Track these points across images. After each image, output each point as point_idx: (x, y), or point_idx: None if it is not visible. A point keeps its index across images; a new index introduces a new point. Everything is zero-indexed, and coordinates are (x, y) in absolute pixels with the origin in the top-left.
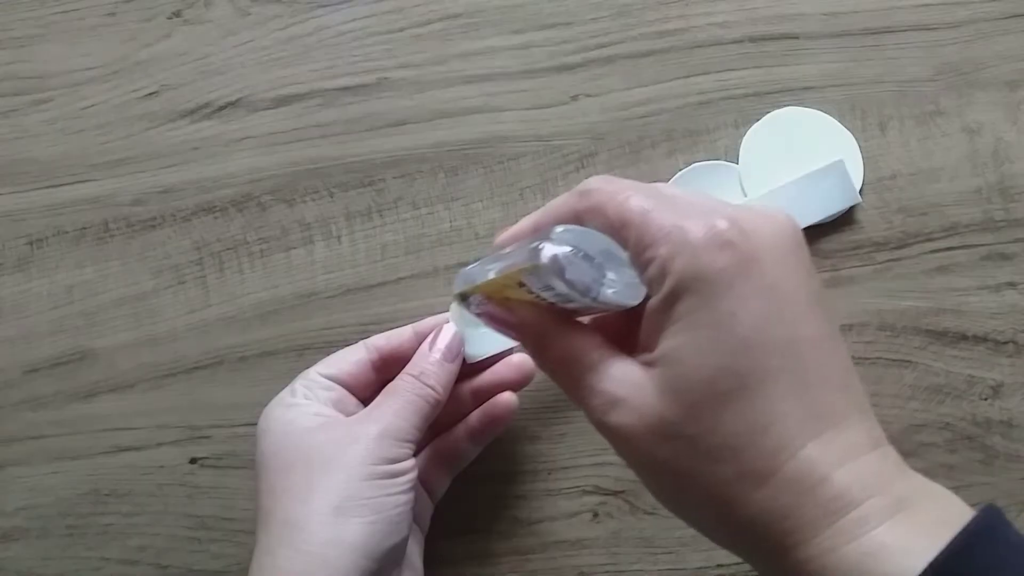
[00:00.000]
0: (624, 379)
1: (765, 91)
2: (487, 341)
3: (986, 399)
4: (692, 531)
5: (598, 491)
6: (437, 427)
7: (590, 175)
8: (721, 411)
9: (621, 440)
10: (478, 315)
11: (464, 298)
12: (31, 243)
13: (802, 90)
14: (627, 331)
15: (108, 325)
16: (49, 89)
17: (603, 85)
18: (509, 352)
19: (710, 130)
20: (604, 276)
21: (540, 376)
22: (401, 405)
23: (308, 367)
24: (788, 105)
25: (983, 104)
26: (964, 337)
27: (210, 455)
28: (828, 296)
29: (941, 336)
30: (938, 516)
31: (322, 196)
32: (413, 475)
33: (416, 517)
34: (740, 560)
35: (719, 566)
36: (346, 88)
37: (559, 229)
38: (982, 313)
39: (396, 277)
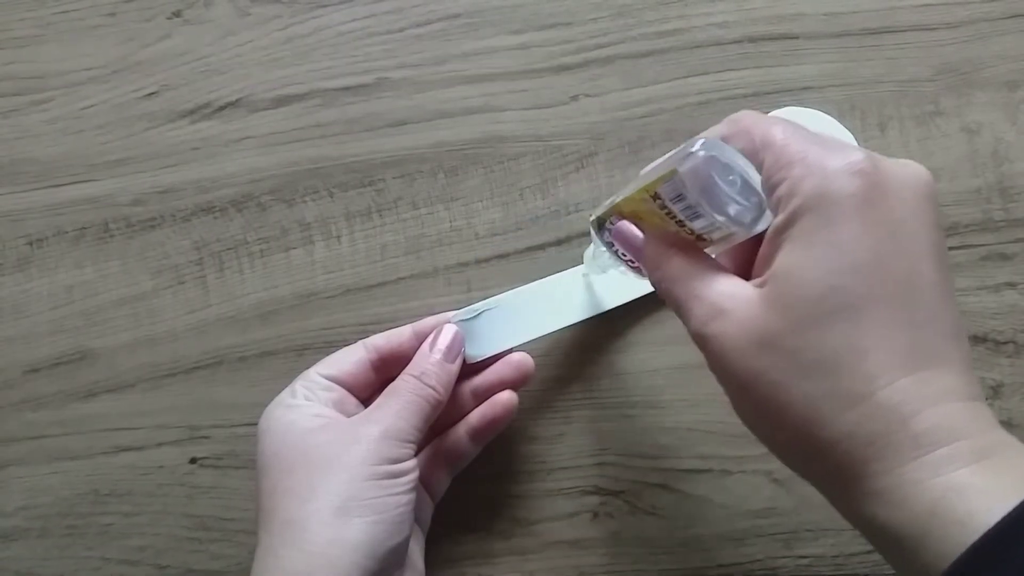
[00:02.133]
0: (732, 293)
1: (764, 91)
2: (489, 341)
3: (986, 399)
4: (692, 531)
5: (598, 491)
6: (437, 427)
7: (590, 175)
8: (825, 328)
9: (717, 351)
10: (609, 242)
11: (600, 225)
12: (31, 243)
13: (802, 90)
14: (742, 271)
15: (108, 325)
16: (49, 89)
17: (603, 85)
18: (509, 352)
19: None
20: (737, 194)
21: (540, 376)
22: (402, 406)
23: (308, 367)
24: (788, 105)
25: (983, 104)
26: None
27: (210, 455)
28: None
29: None
30: None
31: (322, 196)
32: (415, 475)
33: (417, 517)
34: (741, 560)
35: (719, 566)
36: (346, 88)
37: (702, 139)
38: (982, 313)
39: (396, 277)
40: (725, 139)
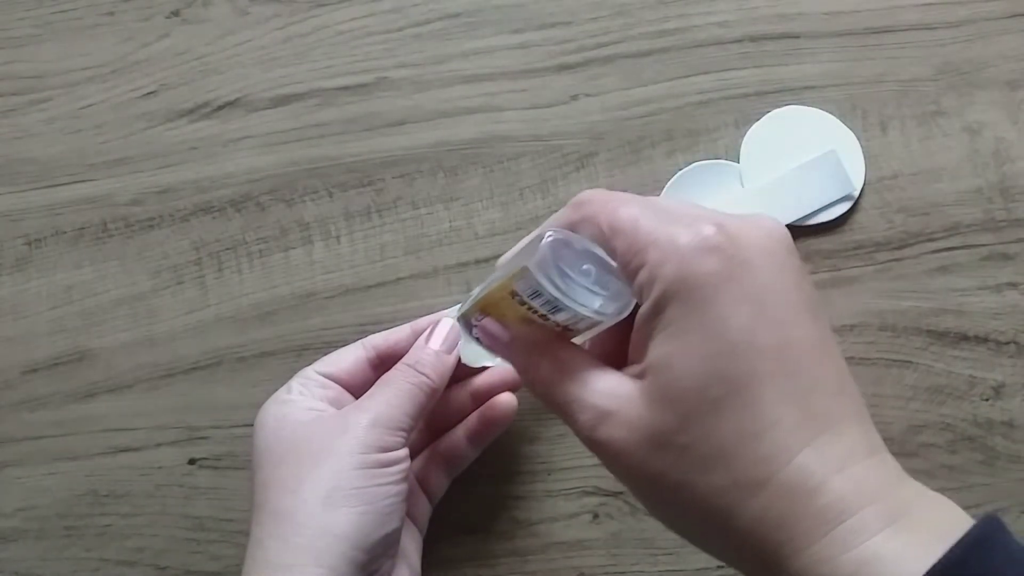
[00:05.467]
0: (612, 392)
1: (765, 91)
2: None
3: (987, 400)
4: None
5: (598, 492)
6: (436, 429)
7: (590, 175)
8: (713, 418)
9: (611, 455)
10: (476, 338)
11: (467, 322)
12: (29, 243)
13: (803, 89)
14: (615, 351)
15: (106, 325)
16: (47, 89)
17: (603, 85)
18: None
19: (710, 130)
20: (593, 284)
21: None
22: (394, 393)
23: (306, 367)
24: (789, 105)
25: (984, 104)
26: (965, 337)
27: (208, 456)
28: (823, 299)
29: (942, 336)
30: (936, 525)
31: (321, 196)
32: (405, 465)
33: (414, 518)
34: None
35: (719, 566)
36: (345, 88)
37: (550, 232)
38: (983, 313)
39: (395, 277)
40: (573, 226)
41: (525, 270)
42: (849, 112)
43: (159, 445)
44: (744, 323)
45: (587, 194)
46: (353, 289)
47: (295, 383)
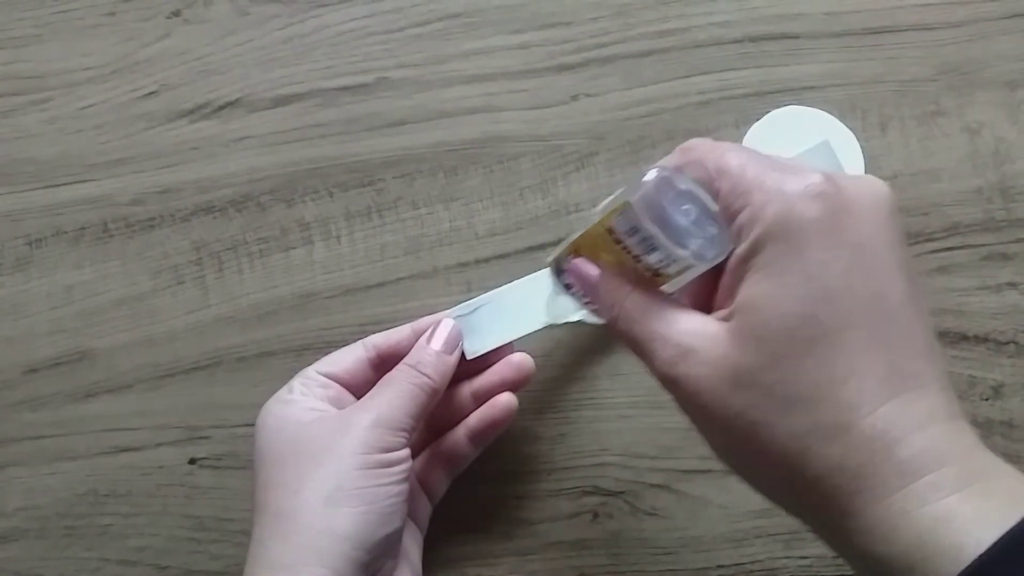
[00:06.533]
0: (697, 330)
1: (765, 91)
2: (487, 335)
3: (987, 400)
4: (692, 532)
5: (598, 492)
6: (437, 429)
7: (590, 175)
8: (801, 360)
9: (689, 392)
10: (566, 284)
11: (558, 267)
12: (30, 243)
13: (802, 90)
14: (702, 304)
15: (107, 325)
16: (48, 89)
17: (603, 85)
18: (509, 348)
19: (710, 130)
20: (692, 224)
21: (540, 376)
22: (395, 394)
23: (307, 367)
24: (788, 105)
25: (984, 104)
26: (965, 337)
27: (209, 456)
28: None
29: (942, 336)
30: (1012, 492)
31: (321, 196)
32: (407, 465)
33: (415, 518)
34: (741, 561)
35: (719, 566)
36: (345, 88)
37: (655, 168)
38: (983, 313)
39: (395, 277)
40: (678, 169)
41: (626, 205)
42: (849, 112)
43: (160, 445)
44: (842, 269)
45: (695, 141)
46: (353, 289)
47: (296, 383)
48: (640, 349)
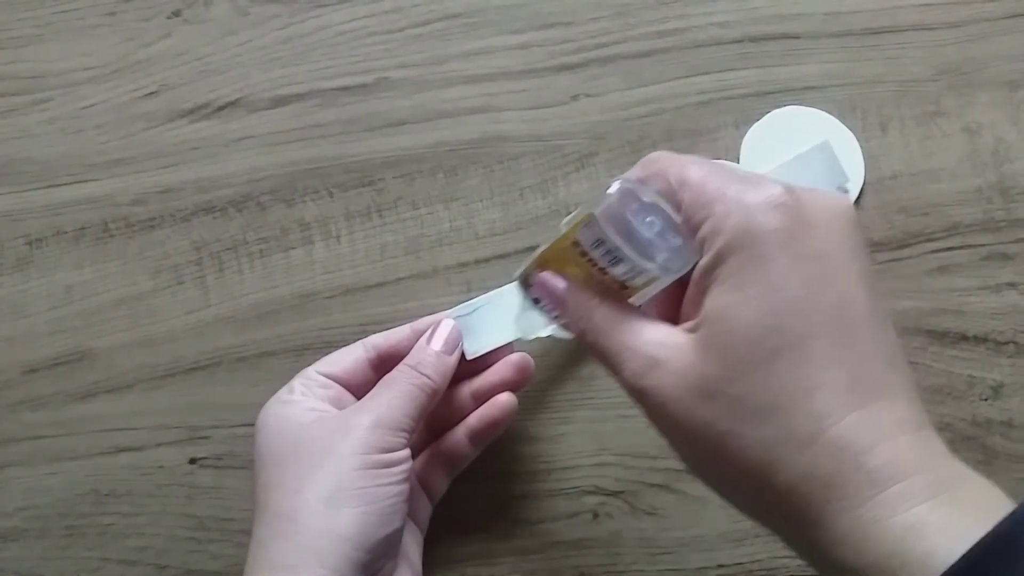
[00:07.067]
0: (663, 341)
1: (765, 91)
2: (486, 335)
3: (986, 400)
4: (692, 532)
5: (598, 491)
6: (437, 429)
7: (590, 175)
8: (767, 370)
9: (656, 403)
10: (534, 299)
11: (525, 283)
12: (30, 243)
13: (803, 90)
14: (668, 316)
15: (107, 325)
16: (48, 89)
17: (603, 85)
18: (509, 348)
19: (710, 130)
20: (656, 236)
21: (540, 377)
22: (395, 394)
23: (307, 367)
24: (789, 105)
25: (984, 104)
26: (964, 337)
27: (209, 455)
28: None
29: (941, 336)
30: (982, 502)
31: (321, 196)
32: (407, 466)
33: (415, 518)
34: (741, 560)
35: (719, 566)
36: (345, 88)
37: (618, 181)
38: (983, 313)
39: (395, 277)
40: (641, 182)
41: (590, 217)
42: (849, 112)
43: (159, 445)
44: (804, 279)
45: (657, 153)
46: (353, 289)
47: (296, 383)
48: (608, 361)
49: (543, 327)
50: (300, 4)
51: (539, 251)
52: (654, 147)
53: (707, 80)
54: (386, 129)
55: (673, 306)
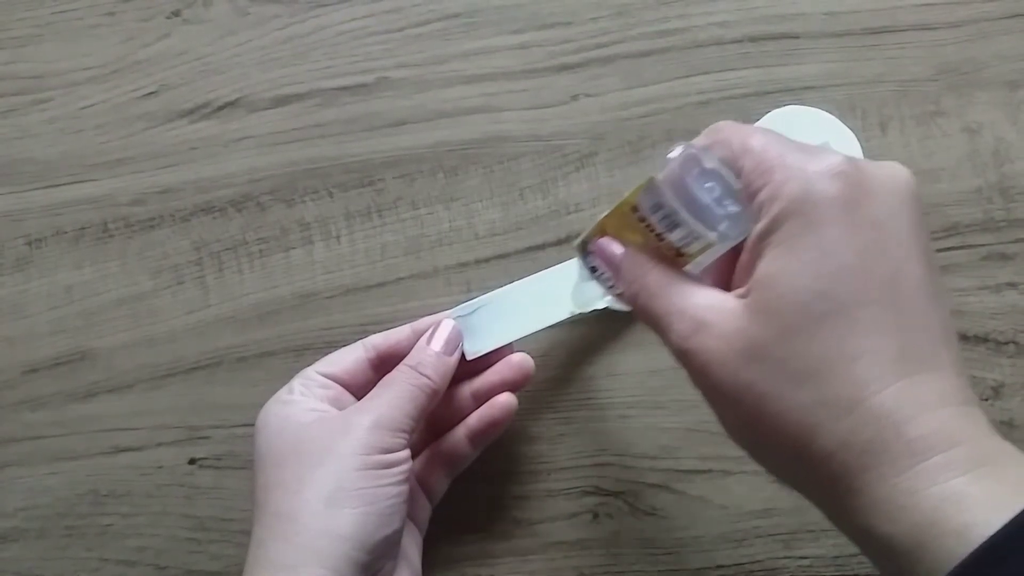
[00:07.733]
0: (713, 304)
1: (765, 91)
2: (487, 336)
3: (986, 400)
4: (692, 532)
5: (598, 492)
6: (437, 429)
7: (590, 175)
8: (812, 334)
9: (700, 365)
10: (592, 267)
11: (585, 248)
12: (30, 243)
13: (802, 90)
14: (724, 281)
15: (107, 325)
16: (48, 89)
17: (603, 85)
18: (509, 348)
19: None
20: (715, 202)
21: (540, 376)
22: (395, 395)
23: (307, 367)
24: (789, 105)
25: (984, 104)
26: (964, 338)
27: (209, 456)
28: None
29: None
30: (1022, 478)
31: (321, 196)
32: (407, 466)
33: (414, 518)
34: (741, 561)
35: (719, 567)
36: (345, 88)
37: (683, 144)
38: (982, 313)
39: (395, 277)
40: (705, 148)
41: (651, 181)
42: (849, 112)
43: (159, 445)
44: (858, 248)
45: (722, 122)
46: (353, 289)
47: (296, 383)
48: (657, 324)
49: (599, 299)
50: (300, 4)
51: (599, 218)
52: (654, 147)
53: (707, 80)
54: (386, 129)
55: (726, 275)
